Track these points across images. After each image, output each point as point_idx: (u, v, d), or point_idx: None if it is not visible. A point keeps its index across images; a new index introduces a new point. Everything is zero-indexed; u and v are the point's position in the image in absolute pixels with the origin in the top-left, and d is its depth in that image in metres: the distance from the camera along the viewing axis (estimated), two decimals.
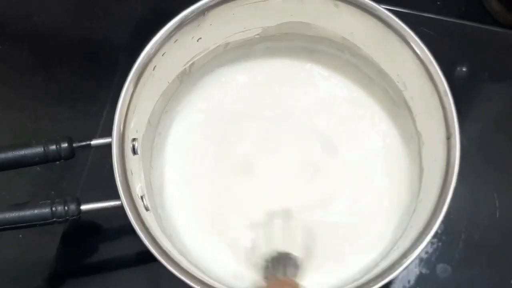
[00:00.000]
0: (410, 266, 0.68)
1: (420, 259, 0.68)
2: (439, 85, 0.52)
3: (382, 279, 0.48)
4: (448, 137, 0.51)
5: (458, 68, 0.77)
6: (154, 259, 0.51)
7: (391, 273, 0.48)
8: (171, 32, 0.56)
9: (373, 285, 0.47)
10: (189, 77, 0.64)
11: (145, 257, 0.66)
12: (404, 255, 0.49)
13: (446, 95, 0.52)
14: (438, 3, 0.81)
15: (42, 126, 0.76)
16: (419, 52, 0.53)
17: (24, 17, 0.82)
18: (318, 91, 0.67)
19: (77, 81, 0.78)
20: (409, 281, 0.68)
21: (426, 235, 0.49)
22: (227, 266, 0.60)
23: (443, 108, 0.52)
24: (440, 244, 0.69)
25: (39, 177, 0.72)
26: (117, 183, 0.52)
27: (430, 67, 0.53)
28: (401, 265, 0.48)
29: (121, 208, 0.52)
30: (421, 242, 0.48)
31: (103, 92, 0.75)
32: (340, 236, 0.61)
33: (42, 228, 0.66)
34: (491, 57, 0.77)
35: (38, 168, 0.72)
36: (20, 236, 0.69)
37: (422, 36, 0.76)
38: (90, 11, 0.82)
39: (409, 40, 0.54)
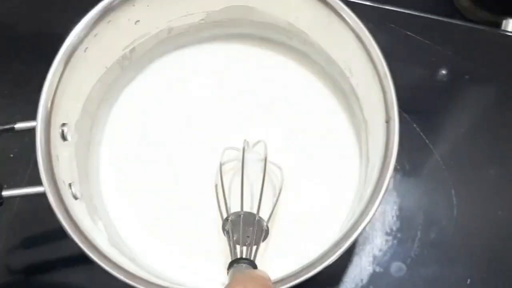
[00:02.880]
0: (363, 264, 0.66)
1: (374, 257, 0.66)
2: (379, 67, 0.50)
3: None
4: (387, 121, 0.48)
5: (425, 63, 0.76)
6: None
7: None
8: (103, 12, 0.53)
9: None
10: (131, 63, 0.61)
11: None
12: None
13: (386, 77, 0.49)
14: None
15: None
16: (360, 34, 0.51)
17: None
18: (273, 80, 0.65)
19: (32, 72, 0.76)
20: (362, 280, 0.66)
21: (357, 228, 0.46)
22: (166, 260, 0.58)
23: (384, 92, 0.50)
24: (395, 242, 0.67)
25: None
26: (39, 168, 0.50)
27: (370, 49, 0.51)
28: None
29: (45, 195, 0.50)
30: (350, 236, 0.46)
31: None
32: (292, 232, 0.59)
33: None
34: (459, 52, 0.76)
35: None
36: None
37: (389, 31, 0.76)
38: (47, 2, 0.81)
39: (350, 22, 0.52)
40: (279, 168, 0.58)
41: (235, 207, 0.54)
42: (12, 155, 0.71)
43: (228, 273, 0.47)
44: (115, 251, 0.52)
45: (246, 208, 0.53)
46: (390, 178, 0.47)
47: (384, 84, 0.50)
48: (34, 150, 0.67)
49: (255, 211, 0.53)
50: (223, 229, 0.53)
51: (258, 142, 0.59)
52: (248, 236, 0.51)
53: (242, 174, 0.55)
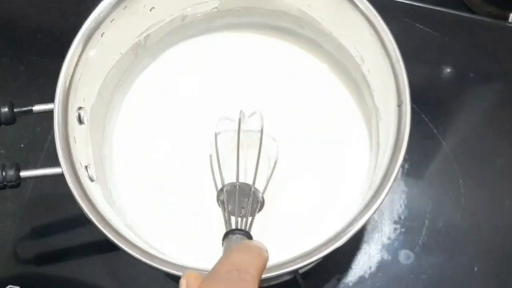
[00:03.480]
0: (372, 252, 0.67)
1: (383, 245, 0.67)
2: (392, 52, 0.51)
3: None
4: (399, 105, 0.49)
5: (433, 54, 0.77)
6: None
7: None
8: None
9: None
10: (145, 50, 0.62)
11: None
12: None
13: (398, 62, 0.50)
14: None
15: None
16: (372, 19, 0.52)
17: None
18: (283, 69, 0.65)
19: (45, 63, 0.77)
20: (370, 267, 0.66)
21: (370, 207, 0.46)
22: (175, 243, 0.58)
23: (395, 76, 0.50)
24: (403, 230, 0.68)
25: None
26: (57, 148, 0.50)
27: (383, 35, 0.51)
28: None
29: (62, 176, 0.50)
30: (364, 215, 0.46)
31: None
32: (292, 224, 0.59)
33: None
34: (467, 44, 0.77)
35: None
36: None
37: (397, 23, 0.76)
38: None
39: (362, 7, 0.52)
40: (274, 140, 0.58)
41: (228, 179, 0.53)
42: (23, 145, 0.72)
43: (223, 244, 0.45)
44: (131, 233, 0.52)
45: (241, 180, 0.52)
46: (402, 160, 0.48)
47: (396, 68, 0.50)
48: (46, 139, 0.69)
49: (250, 182, 0.52)
50: (218, 199, 0.52)
51: (254, 113, 0.58)
52: (243, 208, 0.50)
53: (238, 145, 0.54)
